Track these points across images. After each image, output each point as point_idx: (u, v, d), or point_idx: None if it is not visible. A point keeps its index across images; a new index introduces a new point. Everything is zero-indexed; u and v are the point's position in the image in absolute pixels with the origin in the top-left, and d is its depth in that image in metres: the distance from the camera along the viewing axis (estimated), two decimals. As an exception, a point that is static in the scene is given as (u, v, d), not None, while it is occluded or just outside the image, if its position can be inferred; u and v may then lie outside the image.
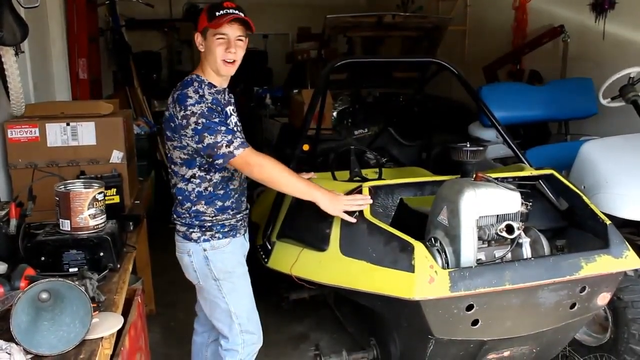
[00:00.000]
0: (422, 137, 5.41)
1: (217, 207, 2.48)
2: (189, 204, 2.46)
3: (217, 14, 2.33)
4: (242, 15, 2.35)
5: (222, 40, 2.36)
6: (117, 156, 3.21)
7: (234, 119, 2.51)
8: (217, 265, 2.50)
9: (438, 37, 5.99)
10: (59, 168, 3.05)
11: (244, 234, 2.64)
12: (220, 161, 2.31)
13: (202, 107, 2.29)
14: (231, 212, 2.52)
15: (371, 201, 2.55)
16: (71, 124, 3.11)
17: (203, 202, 2.46)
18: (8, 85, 3.06)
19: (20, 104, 3.17)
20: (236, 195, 2.55)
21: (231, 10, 2.33)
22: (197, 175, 2.44)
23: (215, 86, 2.43)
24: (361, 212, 2.51)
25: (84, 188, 2.33)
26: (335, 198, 2.46)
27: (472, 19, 7.37)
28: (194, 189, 2.45)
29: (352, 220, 2.49)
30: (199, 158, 2.39)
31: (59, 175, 2.64)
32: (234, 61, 2.41)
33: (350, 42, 7.99)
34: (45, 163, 3.05)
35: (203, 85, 2.38)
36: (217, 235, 2.49)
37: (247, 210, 2.67)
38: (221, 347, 2.62)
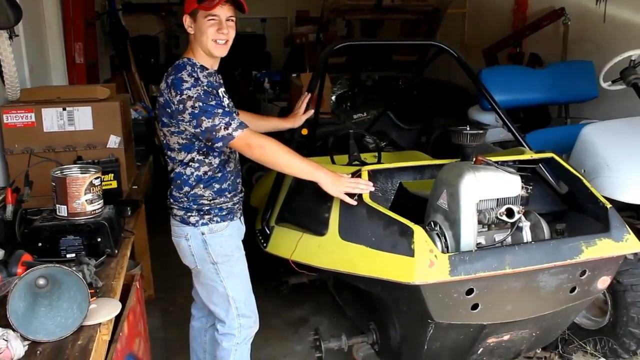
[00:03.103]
0: (422, 120, 5.40)
1: (215, 189, 2.46)
2: (187, 188, 2.44)
3: None
4: None
5: (214, 22, 2.33)
6: (114, 141, 3.18)
7: (226, 100, 2.48)
8: (216, 248, 2.48)
9: (437, 20, 5.94)
10: (55, 153, 3.02)
11: (240, 217, 2.63)
12: (219, 144, 2.28)
13: (198, 90, 2.26)
14: (228, 195, 2.51)
15: (373, 188, 2.51)
16: (67, 108, 3.07)
17: (202, 185, 2.44)
18: (2, 70, 3.04)
19: (15, 88, 3.14)
20: (232, 177, 2.53)
21: None
22: (195, 159, 2.42)
23: (207, 68, 2.41)
24: (360, 196, 2.49)
25: (81, 173, 2.31)
26: (337, 179, 2.42)
27: (472, 1, 7.31)
28: (192, 172, 2.43)
29: (353, 202, 2.46)
30: (198, 142, 2.37)
31: (56, 161, 2.62)
32: (227, 42, 2.38)
33: (349, 26, 7.94)
34: (41, 148, 3.02)
35: (196, 68, 2.35)
36: (215, 218, 2.47)
37: (242, 193, 2.65)
38: (217, 332, 2.61)
